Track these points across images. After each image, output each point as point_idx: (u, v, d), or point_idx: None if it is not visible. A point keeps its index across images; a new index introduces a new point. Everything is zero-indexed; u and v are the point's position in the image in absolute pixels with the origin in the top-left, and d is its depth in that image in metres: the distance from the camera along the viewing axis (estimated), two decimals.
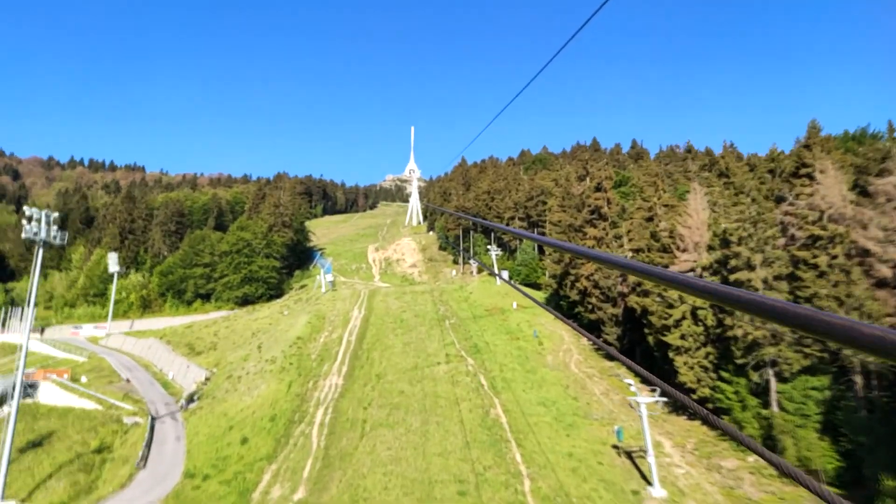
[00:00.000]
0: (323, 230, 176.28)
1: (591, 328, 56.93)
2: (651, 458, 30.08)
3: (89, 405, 56.83)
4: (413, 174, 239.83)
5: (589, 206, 62.45)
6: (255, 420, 47.06)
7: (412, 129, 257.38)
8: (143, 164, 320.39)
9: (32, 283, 43.48)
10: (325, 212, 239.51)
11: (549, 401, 46.56)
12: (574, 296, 61.13)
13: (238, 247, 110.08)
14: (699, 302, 36.30)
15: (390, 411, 45.43)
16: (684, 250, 39.69)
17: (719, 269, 35.88)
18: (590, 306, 56.00)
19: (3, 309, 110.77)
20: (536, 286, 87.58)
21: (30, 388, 60.39)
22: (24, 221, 42.32)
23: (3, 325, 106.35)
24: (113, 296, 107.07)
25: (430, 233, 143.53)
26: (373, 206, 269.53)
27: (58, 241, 43.35)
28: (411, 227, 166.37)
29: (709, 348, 35.98)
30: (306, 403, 48.81)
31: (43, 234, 42.33)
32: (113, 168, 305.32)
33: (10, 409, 42.18)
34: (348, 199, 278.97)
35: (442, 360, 56.32)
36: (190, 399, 60.52)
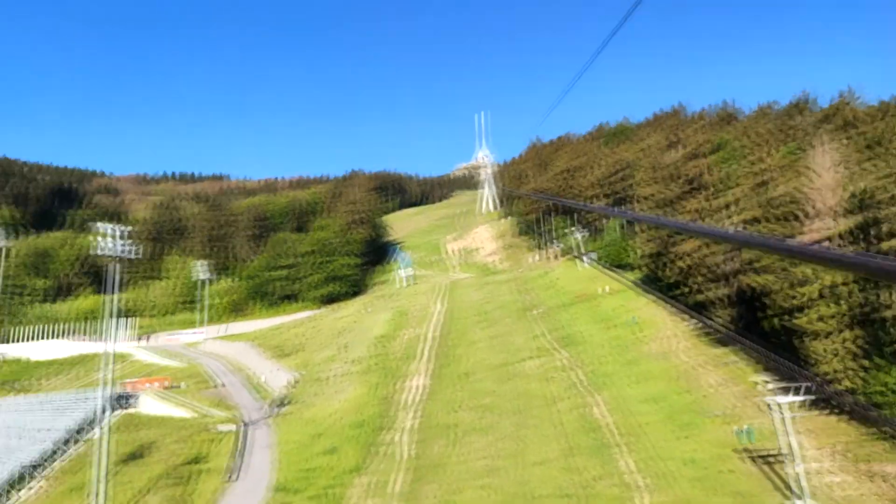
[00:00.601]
0: (399, 224, 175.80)
1: (697, 311, 51.37)
2: (800, 467, 25.22)
3: (185, 414, 57.40)
4: (484, 160, 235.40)
5: (684, 175, 56.60)
6: (343, 427, 45.29)
7: (481, 114, 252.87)
8: (227, 173, 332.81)
9: (113, 298, 43.57)
10: (401, 205, 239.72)
11: (658, 396, 41.81)
12: (673, 276, 55.57)
13: (318, 246, 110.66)
14: (838, 277, 30.65)
15: (481, 414, 42.30)
16: (813, 217, 33.91)
17: (862, 237, 30.15)
18: (694, 287, 50.50)
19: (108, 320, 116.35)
20: (626, 268, 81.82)
21: (130, 398, 61.93)
22: (98, 238, 42.32)
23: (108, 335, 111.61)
24: (206, 302, 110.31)
25: (507, 219, 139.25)
26: (446, 197, 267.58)
27: (131, 255, 43.10)
28: (487, 214, 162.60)
29: (856, 331, 30.35)
30: (393, 407, 46.58)
31: (118, 250, 42.14)
32: (200, 179, 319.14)
33: (102, 428, 42.38)
34: (422, 190, 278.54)
35: (532, 355, 52.59)
36: (279, 403, 60.03)
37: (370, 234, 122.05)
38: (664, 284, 58.88)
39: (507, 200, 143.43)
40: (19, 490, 52.17)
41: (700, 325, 49.88)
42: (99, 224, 43.13)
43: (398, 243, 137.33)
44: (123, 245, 42.90)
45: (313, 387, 60.14)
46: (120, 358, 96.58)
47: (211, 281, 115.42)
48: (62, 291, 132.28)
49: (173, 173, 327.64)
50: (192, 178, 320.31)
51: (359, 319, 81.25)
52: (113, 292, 44.05)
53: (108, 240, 42.44)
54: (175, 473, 43.98)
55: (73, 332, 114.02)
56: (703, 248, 48.09)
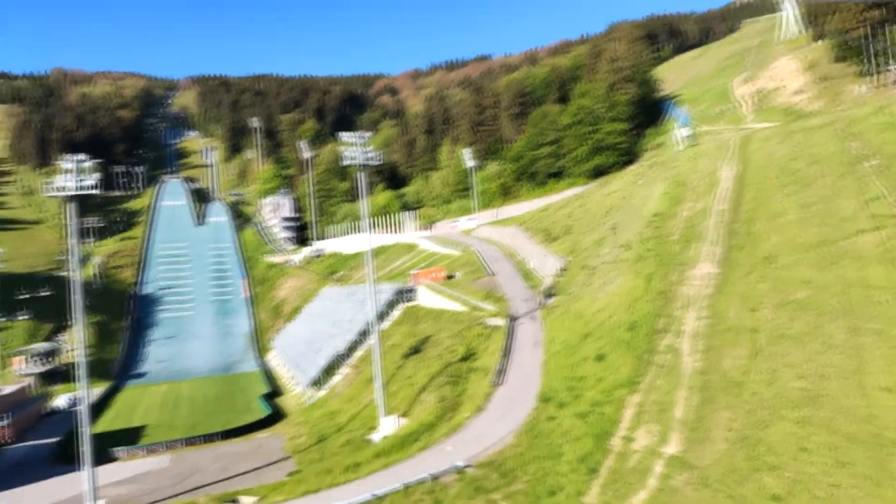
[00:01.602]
0: (674, 74, 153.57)
1: None
2: None
3: (457, 307, 58.33)
4: None
5: None
6: (612, 327, 39.71)
7: None
8: (489, 53, 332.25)
9: (363, 203, 43.56)
10: (676, 51, 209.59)
11: None
12: None
13: (579, 116, 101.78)
14: None
15: (793, 314, 32.32)
16: None
17: None
18: None
19: (398, 213, 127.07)
20: None
21: (409, 292, 65.57)
22: (341, 148, 41.94)
23: (399, 227, 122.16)
24: (474, 189, 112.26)
25: (818, 42, 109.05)
26: (732, 30, 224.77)
27: (374, 162, 41.99)
28: (788, 41, 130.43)
29: None
30: (671, 304, 39.05)
31: (362, 158, 41.28)
32: (464, 64, 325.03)
33: (375, 336, 44.10)
34: (701, 29, 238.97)
35: (867, 227, 38.70)
36: (547, 294, 57.02)
37: (638, 92, 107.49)
38: None
39: (817, 18, 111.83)
40: (332, 376, 59.93)
41: None
42: (342, 134, 42.69)
43: (673, 98, 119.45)
44: (366, 153, 41.97)
45: (580, 275, 55.31)
46: (407, 248, 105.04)
47: (479, 167, 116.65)
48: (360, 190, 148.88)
49: (441, 63, 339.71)
50: (458, 65, 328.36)
51: (629, 194, 72.44)
52: (361, 198, 44.24)
53: (352, 149, 41.86)
54: (448, 371, 44.41)
55: (373, 227, 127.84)
56: None
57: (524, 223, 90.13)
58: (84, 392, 33.10)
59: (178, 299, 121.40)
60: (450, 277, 72.41)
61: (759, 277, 37.65)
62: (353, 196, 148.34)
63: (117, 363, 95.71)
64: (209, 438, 47.61)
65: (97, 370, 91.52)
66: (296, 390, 65.99)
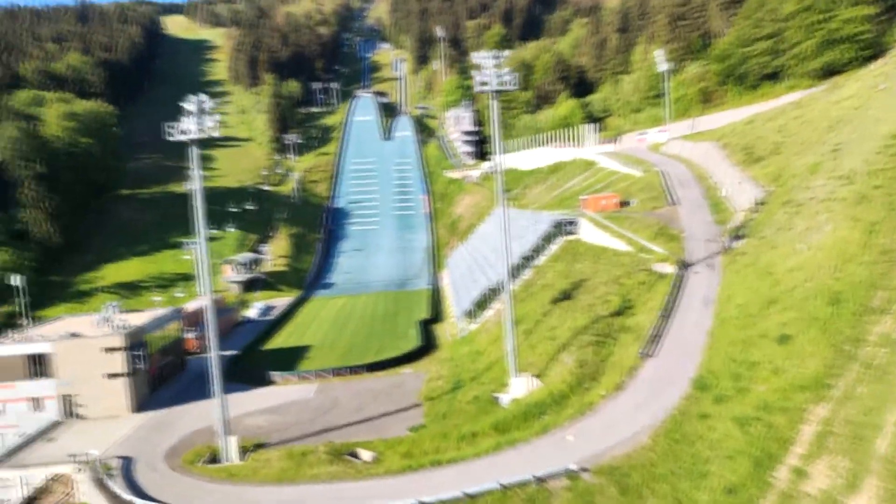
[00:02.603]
0: None
1: None
2: None
3: (621, 246, 51.34)
4: None
5: None
6: (807, 296, 30.53)
7: None
8: None
9: (494, 131, 38.14)
10: None
11: None
12: None
13: (809, 1, 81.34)
14: None
15: None
16: None
17: None
18: None
19: (580, 125, 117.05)
20: None
21: (570, 224, 59.51)
22: (473, 72, 36.43)
23: (580, 141, 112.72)
24: (667, 95, 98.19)
25: None
26: None
27: (510, 87, 35.98)
28: None
29: None
30: None
31: (494, 83, 35.55)
32: None
33: (508, 288, 39.69)
34: None
35: None
36: (734, 235, 47.27)
37: None
38: None
39: None
40: (484, 310, 57.55)
41: None
42: (474, 55, 37.09)
43: None
44: (500, 76, 36.15)
45: (781, 213, 44.47)
46: (585, 166, 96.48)
47: (676, 70, 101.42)
48: (542, 100, 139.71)
49: None
50: None
51: (864, 104, 56.14)
52: (493, 129, 38.96)
53: (483, 73, 36.28)
54: (595, 328, 38.99)
55: (553, 140, 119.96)
56: None
57: (723, 138, 76.53)
58: (212, 346, 34.15)
59: (365, 213, 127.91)
60: (624, 204, 64.44)
61: None
62: (534, 106, 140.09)
63: (310, 273, 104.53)
64: (356, 371, 48.59)
65: (292, 280, 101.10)
66: (453, 318, 65.36)
